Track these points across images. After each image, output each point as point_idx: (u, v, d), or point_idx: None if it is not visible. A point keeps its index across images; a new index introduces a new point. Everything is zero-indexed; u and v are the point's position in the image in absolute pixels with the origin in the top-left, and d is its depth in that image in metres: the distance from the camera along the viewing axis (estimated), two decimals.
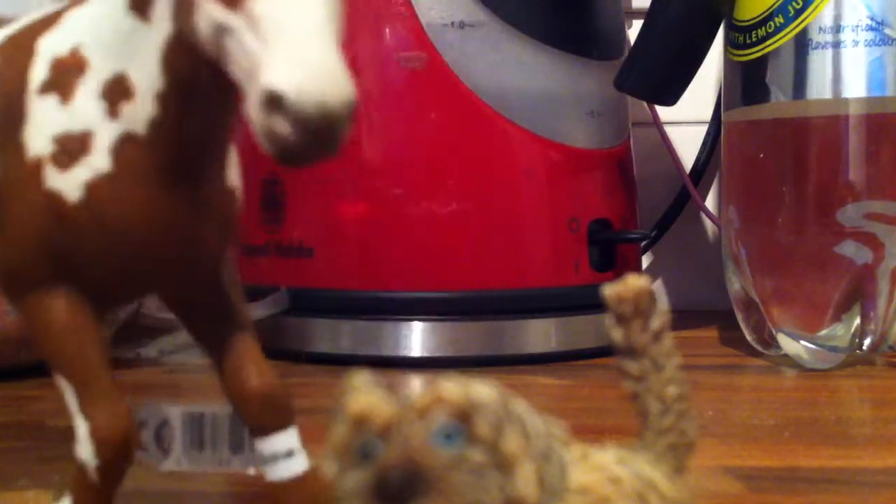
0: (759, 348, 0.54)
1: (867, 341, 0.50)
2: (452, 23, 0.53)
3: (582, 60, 0.57)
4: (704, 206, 0.71)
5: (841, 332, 0.50)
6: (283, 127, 0.16)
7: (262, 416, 0.22)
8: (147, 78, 0.19)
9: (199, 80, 0.19)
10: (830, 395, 0.45)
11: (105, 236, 0.19)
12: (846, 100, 0.49)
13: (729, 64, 0.55)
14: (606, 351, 0.56)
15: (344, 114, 0.16)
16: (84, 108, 0.19)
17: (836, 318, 0.50)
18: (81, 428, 0.20)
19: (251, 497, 0.30)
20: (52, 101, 0.19)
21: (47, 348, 0.20)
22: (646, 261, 0.75)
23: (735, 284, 0.55)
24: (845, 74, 0.49)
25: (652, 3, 0.56)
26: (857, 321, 0.50)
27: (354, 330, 0.53)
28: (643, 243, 0.67)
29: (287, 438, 0.22)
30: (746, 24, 0.52)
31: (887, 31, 0.48)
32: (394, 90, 0.54)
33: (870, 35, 0.48)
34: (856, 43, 0.48)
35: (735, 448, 0.35)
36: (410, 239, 0.53)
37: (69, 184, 0.19)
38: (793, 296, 0.51)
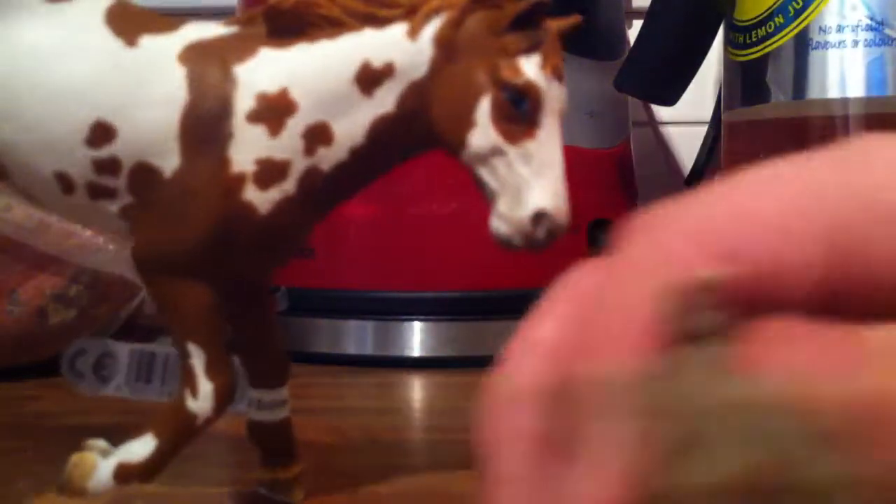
0: None
1: None
2: None
3: (582, 60, 0.57)
4: None
5: None
6: (540, 233, 0.24)
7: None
8: (349, 135, 0.24)
9: (389, 150, 0.25)
10: None
11: (268, 240, 0.24)
12: (846, 100, 0.49)
13: (729, 64, 0.55)
14: None
15: (566, 230, 0.24)
16: (288, 143, 0.24)
17: None
18: (206, 387, 0.25)
19: (251, 497, 0.30)
20: (260, 130, 0.23)
21: (185, 322, 0.25)
22: None
23: None
24: (845, 74, 0.49)
25: (652, 3, 0.56)
26: None
27: (354, 330, 0.53)
28: None
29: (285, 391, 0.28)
30: (746, 24, 0.52)
31: (887, 31, 0.48)
32: None
33: (870, 35, 0.48)
34: (856, 43, 0.48)
35: None
36: (410, 239, 0.53)
37: (263, 199, 0.24)
38: None
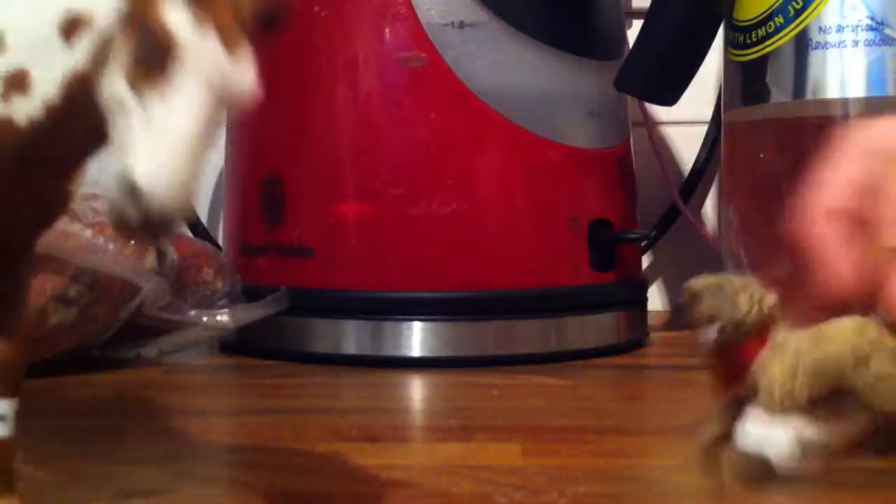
0: None
1: None
2: (452, 23, 0.53)
3: (582, 60, 0.57)
4: (693, 220, 0.71)
5: None
6: (130, 208, 0.19)
7: None
8: (45, 84, 0.21)
9: (78, 115, 0.21)
10: None
11: None
12: (846, 100, 0.49)
13: (729, 64, 0.55)
14: (606, 351, 0.57)
15: (171, 219, 0.19)
16: None
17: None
18: None
19: (252, 496, 0.30)
20: None
21: None
22: (646, 261, 0.75)
23: None
24: (845, 74, 0.49)
25: (652, 4, 0.56)
26: None
27: (354, 330, 0.53)
28: (643, 243, 0.67)
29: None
30: (746, 24, 0.52)
31: (887, 30, 0.48)
32: (394, 90, 0.54)
33: (870, 35, 0.48)
34: (856, 43, 0.48)
35: None
36: (410, 239, 0.53)
37: None
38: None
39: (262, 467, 0.28)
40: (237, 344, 0.58)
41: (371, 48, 0.54)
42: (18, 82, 0.21)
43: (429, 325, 0.53)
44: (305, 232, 0.55)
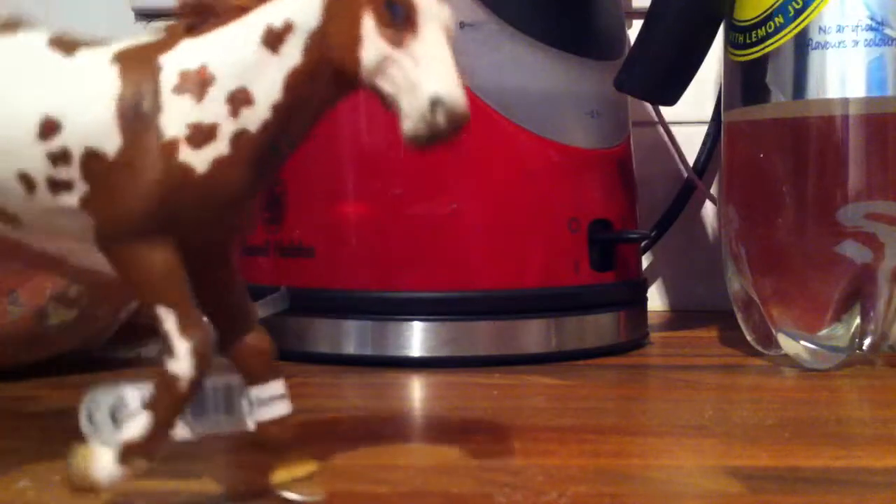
0: (759, 348, 0.54)
1: (867, 341, 0.50)
2: None
3: (582, 60, 0.57)
4: (710, 195, 0.71)
5: (841, 331, 0.50)
6: (440, 118, 0.25)
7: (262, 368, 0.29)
8: (266, 93, 0.26)
9: (308, 101, 0.27)
10: (830, 395, 0.45)
11: (212, 199, 0.26)
12: (846, 100, 0.49)
13: (729, 64, 0.55)
14: (606, 351, 0.57)
15: (467, 118, 0.26)
16: (213, 108, 0.26)
17: (836, 318, 0.50)
18: (182, 347, 0.26)
19: (251, 496, 0.30)
20: (186, 99, 0.26)
21: (151, 287, 0.27)
22: (646, 261, 0.75)
23: (735, 284, 0.55)
24: (845, 74, 0.49)
25: (651, 3, 0.56)
26: (858, 321, 0.50)
27: (354, 330, 0.53)
28: (643, 243, 0.67)
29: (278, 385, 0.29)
30: (746, 24, 0.52)
31: (887, 31, 0.48)
32: None
33: (870, 35, 0.48)
34: (856, 43, 0.48)
35: (735, 448, 0.35)
36: (410, 239, 0.53)
37: (198, 159, 0.26)
38: (793, 296, 0.51)
39: (263, 467, 0.28)
40: None
41: None
42: (243, 99, 0.26)
43: (429, 325, 0.53)
44: (306, 232, 0.55)
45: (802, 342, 0.50)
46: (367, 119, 0.54)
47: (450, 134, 0.26)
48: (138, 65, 0.27)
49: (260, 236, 0.57)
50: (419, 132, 0.26)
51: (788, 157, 0.51)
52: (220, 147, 0.26)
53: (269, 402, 0.29)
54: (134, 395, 0.29)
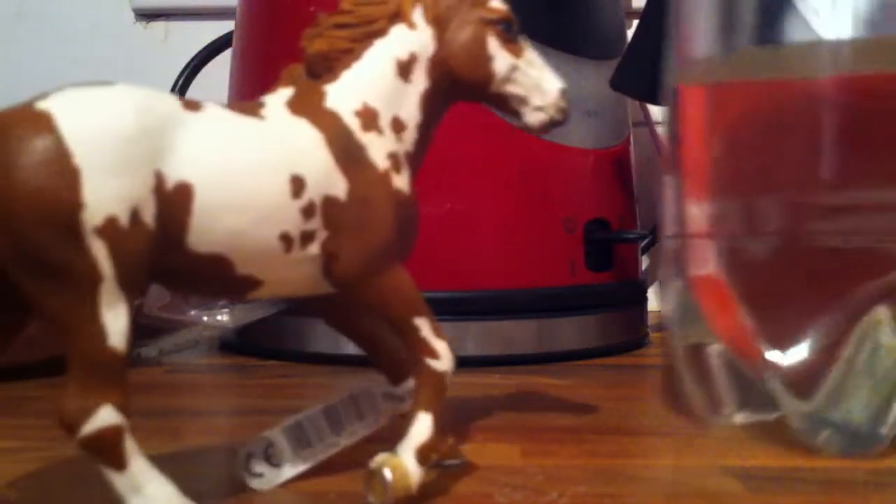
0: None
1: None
2: None
3: (580, 60, 0.57)
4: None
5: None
6: (567, 104, 0.33)
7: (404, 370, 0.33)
8: (411, 116, 0.32)
9: (434, 116, 0.32)
10: None
11: (416, 214, 0.32)
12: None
13: None
14: (606, 351, 0.57)
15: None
16: (390, 136, 0.31)
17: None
18: (441, 347, 0.30)
19: (251, 496, 0.30)
20: (373, 135, 0.30)
21: (408, 303, 0.30)
22: (645, 261, 0.75)
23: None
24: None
25: (647, 3, 0.56)
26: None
27: None
28: (643, 244, 0.67)
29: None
30: None
31: None
32: None
33: None
34: None
35: (735, 448, 0.35)
36: None
37: (403, 182, 0.31)
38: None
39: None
40: (237, 344, 0.59)
41: None
42: (400, 124, 0.31)
43: None
44: None
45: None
46: None
47: (568, 117, 0.33)
48: (318, 113, 0.30)
49: None
50: (554, 118, 0.33)
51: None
52: (406, 169, 0.31)
53: (407, 396, 0.33)
54: (279, 437, 0.31)
